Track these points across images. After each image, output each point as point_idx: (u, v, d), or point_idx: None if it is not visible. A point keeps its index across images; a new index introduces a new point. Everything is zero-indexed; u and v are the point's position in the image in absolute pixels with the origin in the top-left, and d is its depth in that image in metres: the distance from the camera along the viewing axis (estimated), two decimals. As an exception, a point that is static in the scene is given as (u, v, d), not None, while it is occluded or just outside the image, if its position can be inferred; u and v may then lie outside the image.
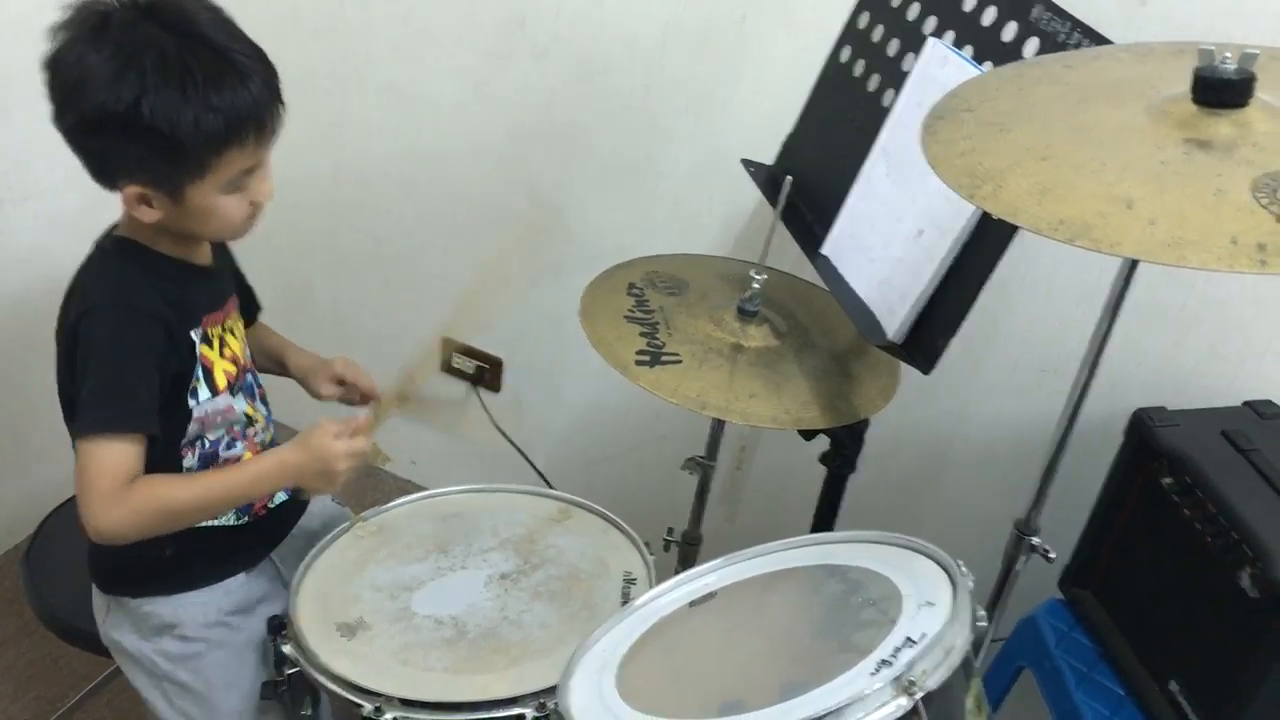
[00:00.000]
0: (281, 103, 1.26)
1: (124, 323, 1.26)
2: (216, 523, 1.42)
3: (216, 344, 1.37)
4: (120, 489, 1.23)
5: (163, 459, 1.30)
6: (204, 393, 1.34)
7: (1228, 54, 1.00)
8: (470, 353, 2.38)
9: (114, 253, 1.31)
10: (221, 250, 1.45)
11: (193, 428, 1.34)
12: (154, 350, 1.27)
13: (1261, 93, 1.01)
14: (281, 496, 1.51)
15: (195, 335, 1.33)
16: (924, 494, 2.02)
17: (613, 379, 1.44)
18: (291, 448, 1.34)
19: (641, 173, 2.04)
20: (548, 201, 2.14)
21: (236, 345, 1.42)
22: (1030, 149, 1.02)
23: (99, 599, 1.46)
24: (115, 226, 1.34)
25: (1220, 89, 1.00)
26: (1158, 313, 1.67)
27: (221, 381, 1.37)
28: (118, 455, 1.23)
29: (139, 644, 1.42)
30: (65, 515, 1.68)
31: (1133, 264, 1.18)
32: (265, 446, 1.47)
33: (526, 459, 2.34)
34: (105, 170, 1.24)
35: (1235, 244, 0.88)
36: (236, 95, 1.19)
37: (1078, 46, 1.25)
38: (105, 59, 1.15)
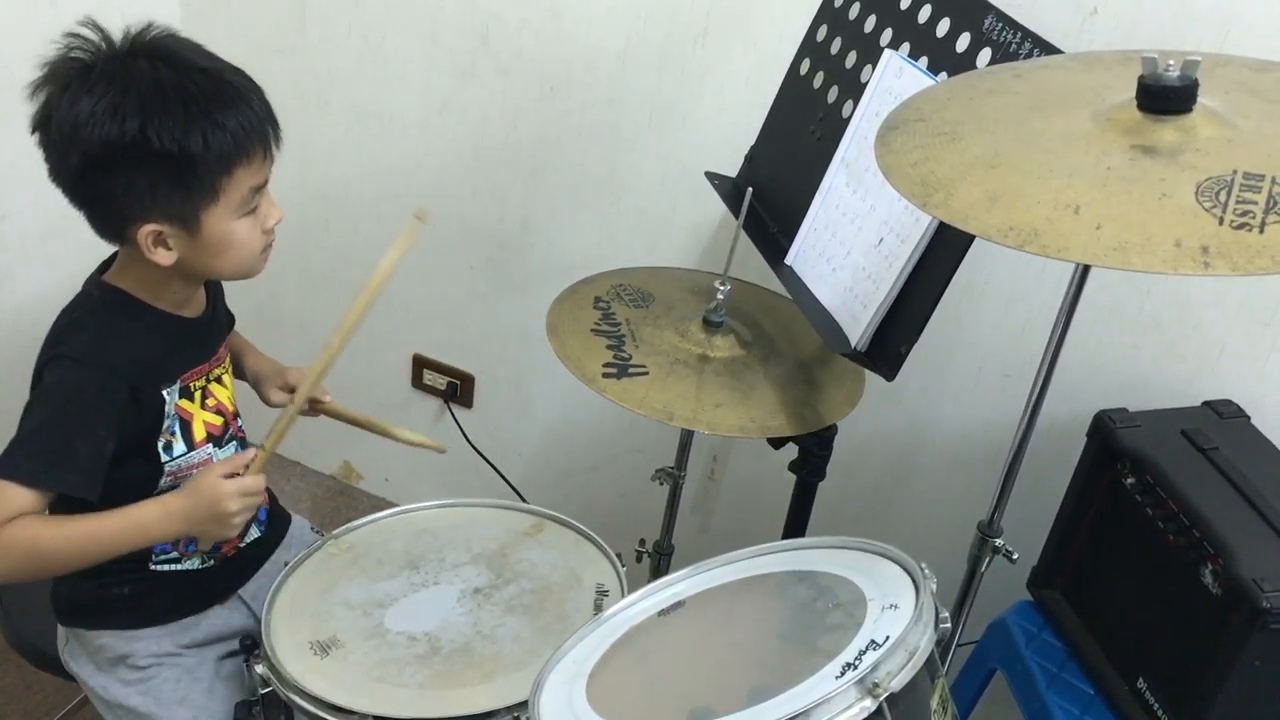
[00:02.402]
0: (276, 120, 1.25)
1: (86, 379, 1.23)
2: (179, 565, 1.40)
3: (198, 396, 1.35)
4: None
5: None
6: (179, 447, 1.32)
7: (1171, 61, 1.02)
8: (442, 369, 2.39)
9: (100, 302, 1.28)
10: (212, 298, 1.41)
11: (165, 480, 1.32)
12: (112, 410, 1.24)
13: (1205, 98, 1.03)
14: (254, 533, 1.49)
15: (169, 393, 1.30)
16: (893, 499, 2.04)
17: (584, 392, 1.45)
18: (177, 492, 1.29)
19: (606, 186, 2.05)
20: (514, 217, 2.15)
21: (223, 394, 1.40)
22: (980, 157, 1.04)
23: (60, 629, 1.46)
24: (105, 268, 1.31)
25: (1164, 96, 1.01)
26: (1117, 315, 1.69)
27: (200, 434, 1.34)
28: (10, 498, 1.19)
29: (95, 675, 1.41)
30: (35, 541, 1.68)
31: (1085, 268, 1.20)
32: None
33: (499, 474, 2.35)
34: (116, 214, 1.21)
35: (1179, 247, 0.90)
36: (239, 112, 1.19)
37: (1029, 56, 1.27)
38: (99, 96, 1.14)
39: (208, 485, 1.26)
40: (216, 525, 1.28)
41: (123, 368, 1.25)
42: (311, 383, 1.34)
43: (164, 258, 1.22)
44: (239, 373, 1.53)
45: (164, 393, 1.30)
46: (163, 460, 1.31)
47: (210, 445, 1.36)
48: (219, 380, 1.39)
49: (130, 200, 1.19)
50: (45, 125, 1.18)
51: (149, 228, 1.20)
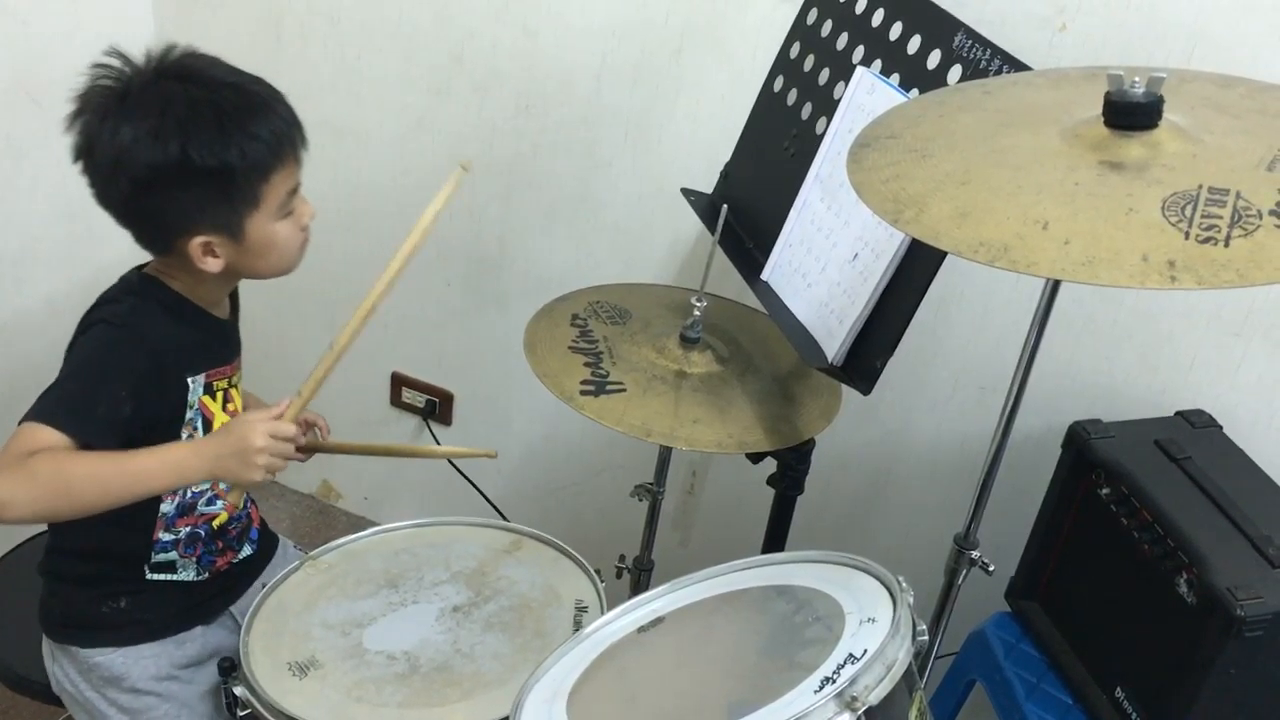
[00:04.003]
0: (301, 124, 1.30)
1: (117, 341, 1.27)
2: (175, 576, 1.41)
3: (220, 397, 1.38)
4: (24, 457, 1.18)
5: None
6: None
7: (1137, 78, 1.04)
8: (421, 387, 2.39)
9: (139, 287, 1.33)
10: (234, 307, 1.45)
11: None
12: (135, 376, 1.26)
13: (1170, 114, 1.04)
14: (247, 550, 1.50)
15: (194, 381, 1.33)
16: (872, 512, 2.04)
17: (563, 409, 1.46)
18: (210, 433, 1.31)
19: (582, 203, 2.06)
20: (490, 234, 2.15)
21: (239, 404, 1.42)
22: (951, 173, 1.05)
23: (47, 646, 1.45)
24: (142, 266, 1.35)
25: (1130, 112, 1.03)
26: (1090, 328, 1.71)
27: None
28: (39, 436, 1.19)
29: (88, 694, 1.41)
30: (10, 563, 1.67)
31: (1056, 282, 1.21)
32: (240, 508, 1.46)
33: (479, 491, 2.34)
34: (165, 230, 1.26)
35: (1146, 261, 0.91)
36: (269, 121, 1.25)
37: (999, 73, 1.28)
38: (138, 123, 1.19)
39: (238, 421, 1.27)
40: (241, 463, 1.24)
41: (152, 339, 1.29)
42: (354, 329, 1.32)
43: (213, 265, 1.28)
44: None
45: (189, 379, 1.33)
46: None
47: None
48: (236, 387, 1.43)
49: (179, 216, 1.25)
50: (88, 154, 1.23)
51: (198, 239, 1.26)
